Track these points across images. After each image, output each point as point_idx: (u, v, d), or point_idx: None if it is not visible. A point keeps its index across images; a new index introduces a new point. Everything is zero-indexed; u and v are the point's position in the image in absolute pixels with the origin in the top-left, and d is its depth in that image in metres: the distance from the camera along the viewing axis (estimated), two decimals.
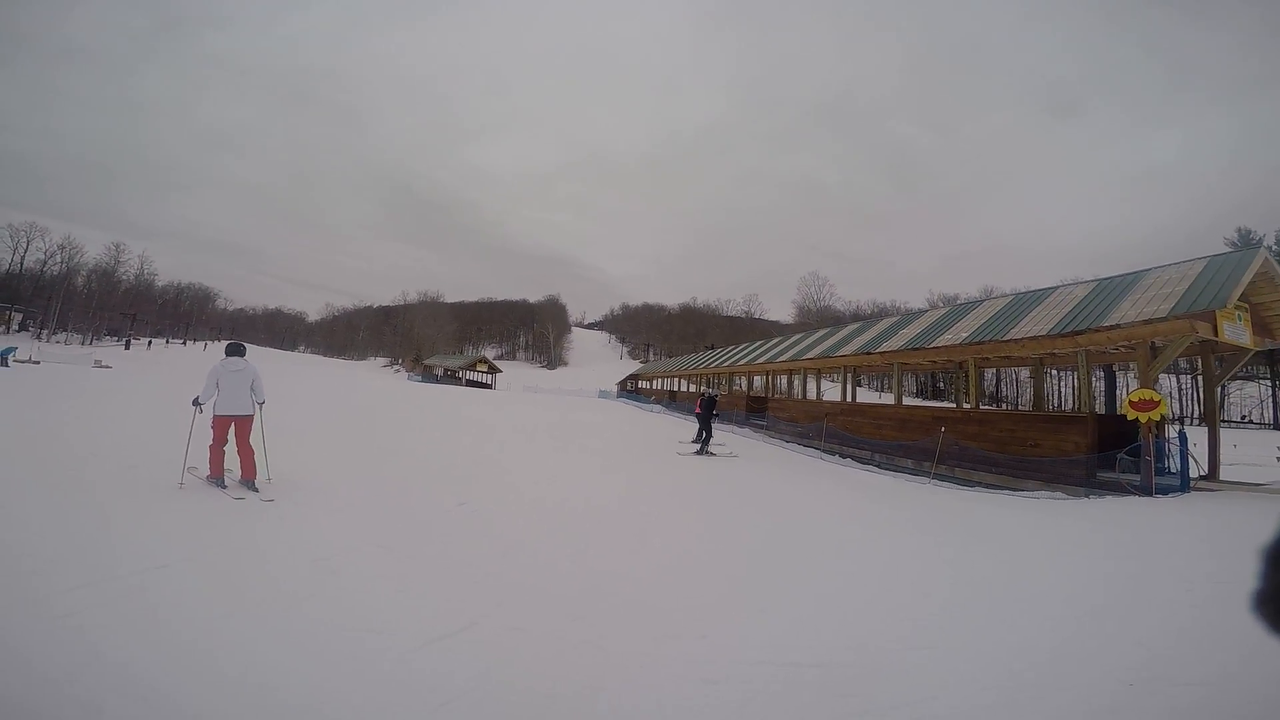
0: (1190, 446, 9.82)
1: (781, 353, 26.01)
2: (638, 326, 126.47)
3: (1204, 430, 11.74)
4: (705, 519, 7.14)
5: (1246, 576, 0.85)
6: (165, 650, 2.84)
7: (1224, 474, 11.38)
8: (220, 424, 6.34)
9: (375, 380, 59.97)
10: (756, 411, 25.92)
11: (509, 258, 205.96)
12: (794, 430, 20.56)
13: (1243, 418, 51.69)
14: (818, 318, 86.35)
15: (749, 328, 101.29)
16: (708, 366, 37.70)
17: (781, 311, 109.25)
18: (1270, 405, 52.81)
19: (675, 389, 46.54)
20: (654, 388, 54.76)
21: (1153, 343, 10.26)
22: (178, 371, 30.76)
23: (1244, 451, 18.81)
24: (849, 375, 19.90)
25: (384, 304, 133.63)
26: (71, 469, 6.42)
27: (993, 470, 12.02)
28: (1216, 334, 9.52)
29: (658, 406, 40.86)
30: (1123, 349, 12.18)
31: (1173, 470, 10.13)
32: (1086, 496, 9.61)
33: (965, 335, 13.88)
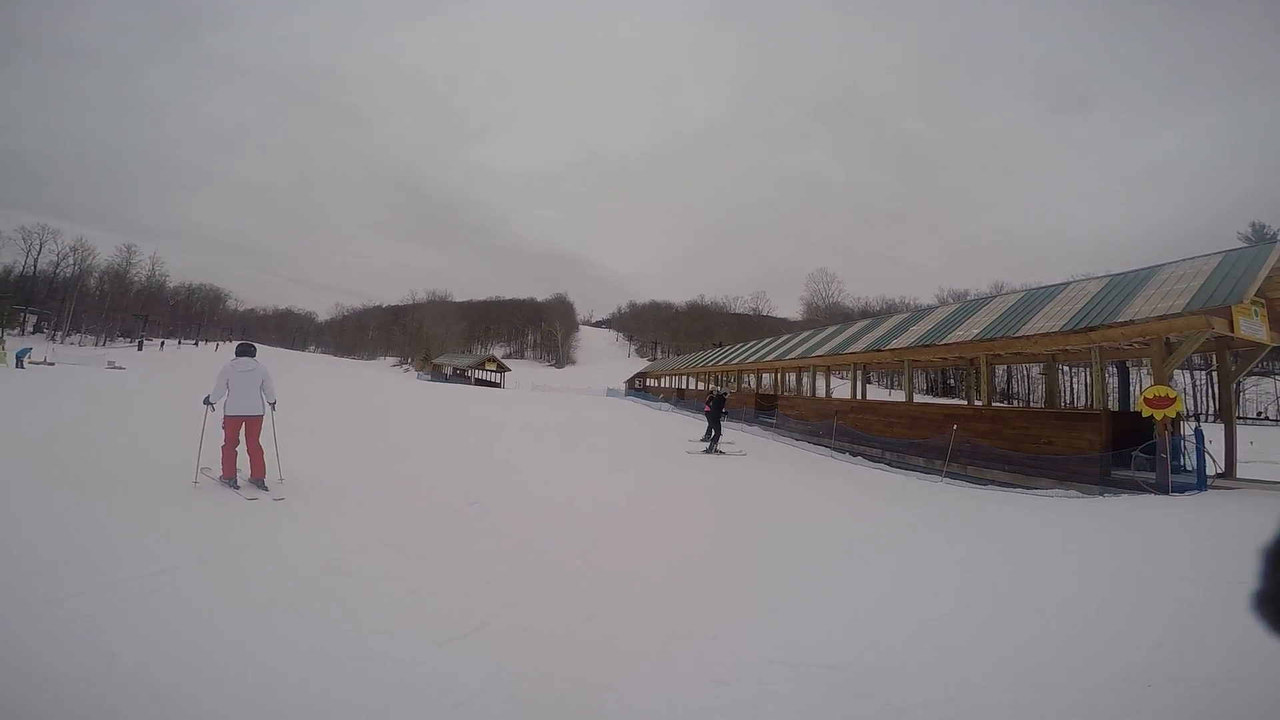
0: (1206, 444, 9.70)
1: (790, 350, 25.92)
2: (645, 324, 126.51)
3: (1220, 427, 11.59)
4: (715, 518, 7.12)
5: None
6: (177, 652, 2.85)
7: (1241, 472, 11.23)
8: (231, 424, 6.38)
9: (385, 380, 60.28)
10: (766, 409, 25.87)
11: (516, 257, 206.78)
12: (803, 428, 20.49)
13: (1259, 414, 51.09)
14: (826, 314, 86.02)
15: (757, 325, 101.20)
16: (716, 364, 37.64)
17: (790, 308, 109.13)
18: None
19: (683, 387, 46.52)
20: (662, 386, 54.75)
21: (1167, 339, 10.13)
22: (190, 372, 31.05)
23: (1261, 449, 18.55)
24: (859, 372, 19.80)
25: (393, 304, 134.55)
26: (86, 469, 6.49)
27: (1005, 468, 11.93)
28: (1232, 330, 9.38)
29: (666, 405, 40.84)
30: (1137, 345, 12.04)
31: (1189, 468, 10.01)
32: (1101, 495, 9.51)
33: (977, 332, 13.77)
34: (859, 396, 19.40)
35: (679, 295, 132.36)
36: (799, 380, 27.36)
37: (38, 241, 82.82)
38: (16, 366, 27.18)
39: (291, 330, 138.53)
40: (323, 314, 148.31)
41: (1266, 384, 53.41)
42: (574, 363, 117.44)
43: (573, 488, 8.12)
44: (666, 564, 4.97)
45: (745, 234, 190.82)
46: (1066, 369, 47.15)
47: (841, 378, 26.47)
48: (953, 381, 64.67)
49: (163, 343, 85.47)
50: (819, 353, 21.76)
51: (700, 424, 18.51)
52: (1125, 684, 2.96)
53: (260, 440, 6.50)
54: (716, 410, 14.64)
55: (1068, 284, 13.45)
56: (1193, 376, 53.99)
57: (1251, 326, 9.69)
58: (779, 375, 28.90)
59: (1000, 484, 11.43)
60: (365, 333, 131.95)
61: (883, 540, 6.32)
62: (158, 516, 5.02)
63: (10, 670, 2.55)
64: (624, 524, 6.33)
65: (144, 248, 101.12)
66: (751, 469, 11.72)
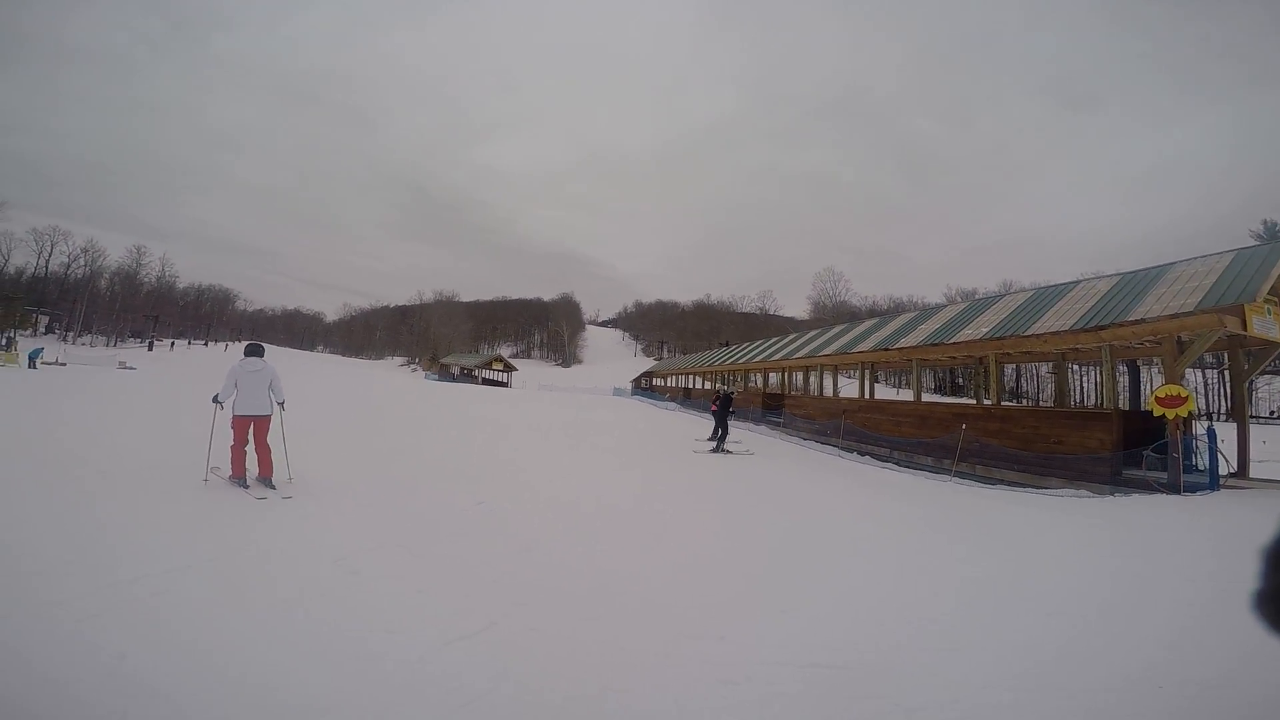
0: (1219, 443, 9.61)
1: (797, 349, 25.85)
2: (651, 324, 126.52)
3: (1233, 426, 11.48)
4: (722, 517, 7.11)
5: None
6: (185, 651, 2.87)
7: (1254, 471, 11.13)
8: (240, 424, 6.41)
9: (393, 379, 60.51)
10: (772, 409, 25.81)
11: (522, 256, 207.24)
12: (811, 427, 20.43)
13: (1272, 413, 50.53)
14: (833, 313, 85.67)
15: (764, 324, 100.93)
16: (722, 363, 37.59)
17: (796, 307, 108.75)
18: None
19: (690, 386, 46.48)
20: (668, 385, 54.73)
21: (1179, 337, 10.04)
22: (199, 372, 31.25)
23: (1274, 448, 18.32)
24: (866, 371, 19.71)
25: (400, 304, 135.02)
26: (97, 469, 6.54)
27: (1015, 468, 11.86)
28: (1245, 328, 9.28)
29: (672, 404, 40.81)
30: (1148, 344, 11.94)
31: (1201, 468, 9.92)
32: (1112, 495, 9.44)
33: (986, 330, 13.69)
34: (867, 396, 19.31)
35: (685, 295, 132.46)
36: (806, 379, 27.24)
37: (49, 243, 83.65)
38: (29, 367, 27.47)
39: (300, 330, 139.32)
40: (331, 314, 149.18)
41: None
42: (580, 362, 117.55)
43: (579, 487, 8.12)
44: (674, 564, 4.97)
45: (752, 233, 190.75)
46: (1076, 368, 46.84)
47: (849, 377, 26.37)
48: (961, 381, 64.34)
49: (173, 343, 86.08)
50: (826, 352, 21.69)
51: (707, 423, 18.49)
52: (1126, 685, 2.94)
53: (268, 440, 6.54)
54: (723, 410, 14.62)
55: (1078, 282, 13.35)
56: (1204, 375, 53.44)
57: (1265, 325, 9.58)
58: (786, 374, 28.82)
59: (1010, 484, 11.36)
60: (373, 333, 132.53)
61: (890, 540, 6.29)
62: (168, 516, 5.06)
63: (18, 670, 2.58)
64: (631, 524, 6.33)
65: (153, 249, 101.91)
66: (758, 468, 11.70)
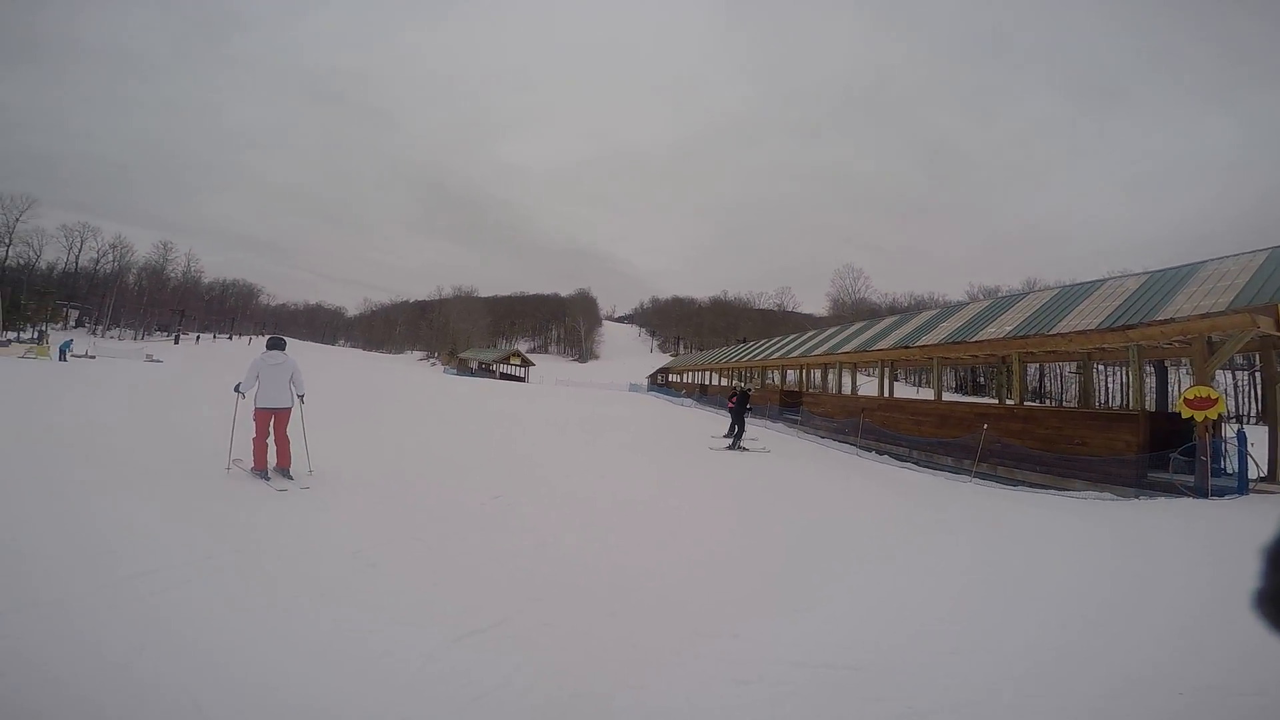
0: (1249, 446, 9.37)
1: (816, 346, 25.67)
2: (668, 320, 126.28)
3: (1264, 430, 11.18)
4: (738, 515, 7.08)
5: None
6: (204, 643, 2.93)
7: None
8: (261, 417, 6.53)
9: (412, 374, 61.15)
10: (790, 406, 25.67)
11: (540, 252, 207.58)
12: (829, 426, 20.28)
13: None
14: (853, 310, 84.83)
15: (782, 321, 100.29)
16: (740, 360, 37.45)
17: (815, 304, 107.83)
18: None
19: (706, 383, 46.38)
20: (685, 381, 54.67)
21: (1210, 337, 9.79)
22: (223, 365, 31.81)
23: None
24: (886, 370, 19.52)
25: (420, 299, 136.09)
26: (124, 460, 6.72)
27: (1037, 469, 11.67)
28: (1279, 328, 9.03)
29: (689, 400, 40.76)
30: (1177, 344, 11.66)
31: (1230, 471, 9.69)
32: (1137, 497, 9.26)
33: (1009, 329, 13.48)
34: (886, 394, 19.12)
35: (702, 291, 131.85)
36: (824, 377, 27.04)
37: (79, 239, 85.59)
38: (60, 359, 28.19)
39: (321, 325, 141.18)
40: (352, 309, 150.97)
41: None
42: (597, 358, 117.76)
43: (595, 483, 8.14)
44: (689, 561, 4.97)
45: (769, 229, 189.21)
46: (1102, 368, 45.93)
47: (868, 375, 26.15)
48: (983, 380, 63.45)
49: (198, 337, 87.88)
50: (845, 349, 21.51)
51: (723, 420, 18.44)
52: (1135, 689, 2.90)
53: (288, 431, 6.65)
54: (740, 407, 14.56)
55: (1104, 280, 13.09)
56: (1234, 377, 52.11)
57: None
58: (804, 372, 28.65)
59: (1031, 485, 11.19)
60: (393, 328, 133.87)
61: (908, 541, 6.22)
62: (191, 508, 5.17)
63: (38, 664, 2.64)
64: (646, 520, 6.33)
65: (178, 245, 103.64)
66: (775, 466, 11.64)
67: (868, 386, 23.52)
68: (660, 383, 64.92)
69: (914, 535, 6.53)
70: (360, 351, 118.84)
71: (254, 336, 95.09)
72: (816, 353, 24.44)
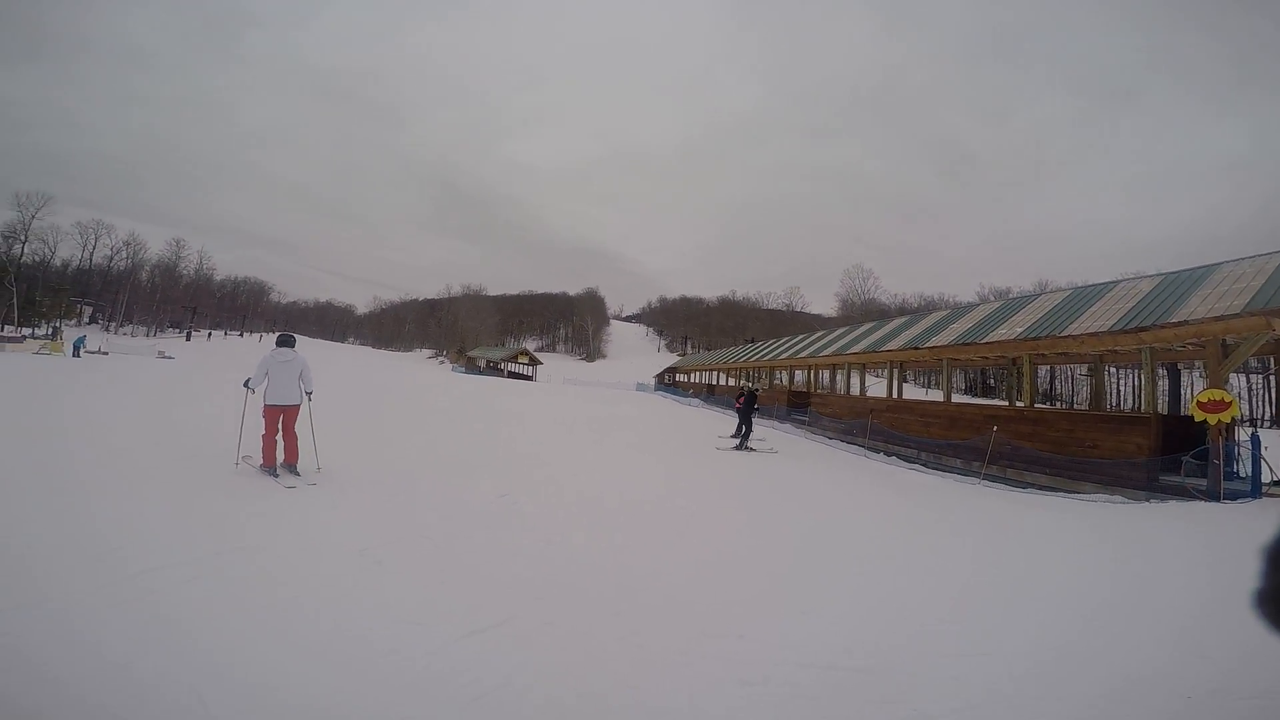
0: (1263, 450, 9.26)
1: (824, 347, 25.57)
2: (675, 319, 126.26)
3: (1278, 433, 11.04)
4: (745, 515, 7.07)
5: None
6: (212, 639, 2.95)
7: None
8: (271, 414, 6.58)
9: (420, 372, 61.38)
10: (798, 407, 25.58)
11: (548, 251, 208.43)
12: (837, 426, 20.20)
13: None
14: (862, 311, 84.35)
15: (790, 321, 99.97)
16: (748, 360, 37.36)
17: (824, 305, 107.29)
18: None
19: (714, 383, 46.31)
20: (692, 381, 54.60)
21: (1224, 340, 9.69)
22: (235, 362, 32.05)
23: None
24: (895, 371, 19.43)
25: (429, 297, 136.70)
26: (134, 456, 6.79)
27: (1047, 471, 11.58)
28: None
29: (696, 400, 40.71)
30: (1191, 347, 11.56)
31: (1243, 475, 9.59)
32: (1148, 501, 9.17)
33: (1020, 330, 13.38)
34: (895, 395, 19.03)
35: (710, 290, 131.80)
36: (833, 378, 26.94)
37: (93, 236, 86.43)
38: (73, 355, 28.50)
39: (331, 322, 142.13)
40: (361, 307, 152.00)
41: None
42: (604, 357, 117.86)
43: (602, 482, 8.15)
44: (695, 560, 4.96)
45: (778, 229, 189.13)
46: (1114, 370, 45.53)
47: (877, 376, 26.02)
48: (993, 382, 63.01)
49: (210, 334, 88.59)
50: (854, 350, 21.41)
51: (730, 420, 18.41)
52: (1138, 692, 2.88)
53: (295, 428, 6.70)
54: (748, 407, 14.55)
55: (1117, 282, 12.97)
56: (1249, 380, 51.50)
57: None
58: (812, 372, 28.55)
59: (1041, 487, 11.10)
60: (402, 325, 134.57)
61: (915, 543, 6.19)
62: (200, 504, 5.22)
63: (39, 663, 2.67)
64: (653, 519, 6.33)
65: (191, 242, 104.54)
66: (783, 467, 11.61)
67: (876, 387, 23.42)
68: (668, 382, 64.87)
69: (920, 537, 6.50)
70: (370, 349, 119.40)
71: (265, 334, 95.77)
72: (825, 353, 24.35)
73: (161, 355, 37.65)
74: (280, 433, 6.61)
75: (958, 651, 3.37)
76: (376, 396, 19.37)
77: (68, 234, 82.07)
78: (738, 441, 14.07)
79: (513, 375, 70.33)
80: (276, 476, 6.36)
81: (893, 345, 18.60)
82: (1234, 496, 8.74)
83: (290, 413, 6.69)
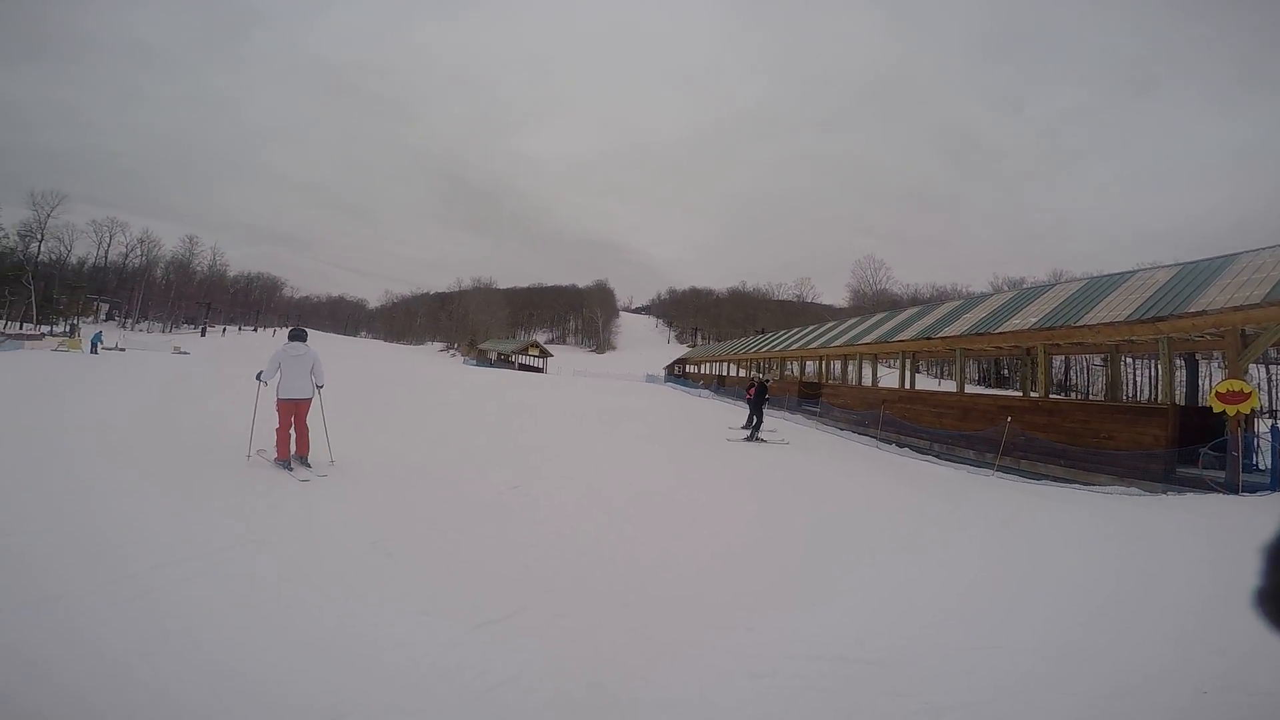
0: None
1: (836, 337, 25.44)
2: (685, 311, 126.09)
3: None
4: (755, 507, 7.05)
5: None
6: (224, 629, 2.99)
7: None
8: (284, 408, 6.64)
9: (432, 364, 61.73)
10: (809, 398, 25.47)
11: (558, 244, 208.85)
12: (848, 417, 20.11)
13: None
14: (873, 301, 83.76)
15: (801, 312, 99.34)
16: (758, 351, 37.25)
17: (835, 295, 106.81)
18: None
19: (724, 374, 46.22)
20: (702, 372, 54.54)
21: (1243, 330, 9.53)
22: (249, 356, 32.38)
23: None
24: (907, 361, 19.29)
25: (440, 290, 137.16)
26: (153, 450, 6.88)
27: (1062, 463, 11.47)
28: None
29: (706, 391, 40.67)
30: (1209, 337, 11.38)
31: (1262, 467, 9.46)
32: (1164, 493, 9.07)
33: (1035, 320, 13.23)
34: (907, 386, 18.90)
35: (720, 282, 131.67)
36: (844, 368, 26.80)
37: (108, 234, 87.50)
38: (91, 352, 28.88)
39: (344, 316, 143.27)
40: (373, 301, 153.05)
41: None
42: (614, 348, 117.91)
43: (612, 474, 8.16)
44: (706, 552, 4.96)
45: (789, 220, 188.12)
46: (1130, 361, 44.92)
47: (889, 366, 25.86)
48: (1007, 372, 62.42)
49: (224, 329, 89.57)
50: (866, 340, 21.28)
51: (740, 411, 18.37)
52: (1140, 682, 2.86)
53: (307, 421, 6.77)
54: (759, 398, 14.49)
55: (1134, 272, 12.78)
56: (1269, 371, 50.63)
57: None
58: (824, 363, 28.42)
59: (1056, 479, 11.01)
60: (414, 319, 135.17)
61: (927, 535, 6.16)
62: (213, 497, 5.28)
63: (69, 651, 2.71)
64: (663, 511, 6.33)
65: (204, 239, 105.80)
66: (793, 458, 11.58)
67: (888, 378, 23.27)
68: (677, 374, 64.84)
69: (932, 529, 6.46)
70: (381, 343, 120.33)
71: (278, 329, 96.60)
72: (836, 344, 24.22)
73: (177, 351, 38.05)
74: (293, 426, 6.67)
75: (969, 644, 3.35)
76: (388, 390, 19.49)
77: (83, 232, 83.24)
78: (748, 433, 14.04)
79: (523, 367, 70.56)
80: (290, 470, 6.43)
81: (905, 335, 18.46)
82: (1253, 489, 8.62)
83: (302, 406, 6.75)
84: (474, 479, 7.07)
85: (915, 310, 21.63)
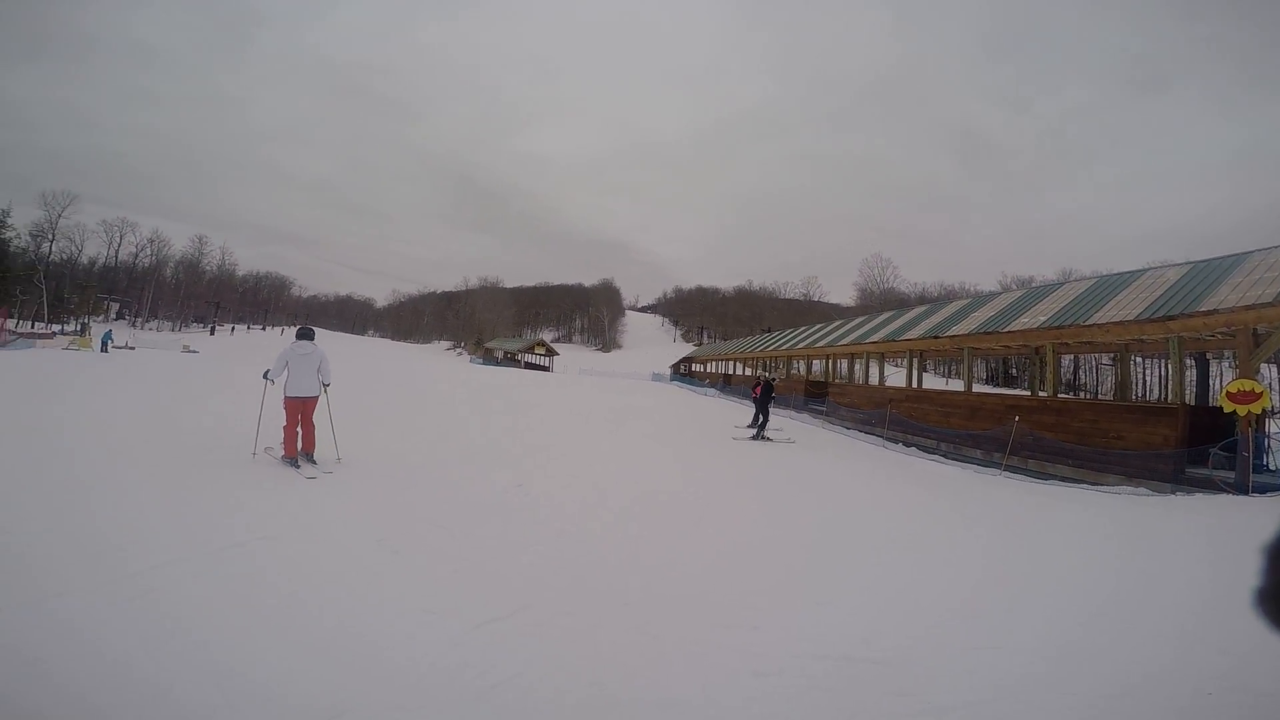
0: None
1: (842, 336, 25.35)
2: (691, 309, 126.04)
3: None
4: (761, 506, 7.05)
5: None
6: (229, 633, 3.00)
7: None
8: (291, 406, 6.70)
9: (439, 363, 61.94)
10: (815, 397, 25.39)
11: (564, 243, 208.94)
12: (855, 417, 20.03)
13: None
14: (880, 300, 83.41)
15: (808, 311, 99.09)
16: (764, 350, 37.17)
17: (842, 294, 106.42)
18: None
19: (730, 373, 46.15)
20: (708, 371, 54.46)
21: (1255, 329, 9.44)
22: (257, 355, 32.60)
23: None
24: (915, 360, 19.19)
25: (447, 289, 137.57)
26: (161, 448, 6.94)
27: (1070, 463, 11.40)
28: None
29: (712, 390, 40.62)
30: (1220, 336, 11.27)
31: (1273, 468, 9.37)
32: (1173, 494, 8.99)
33: (1043, 319, 13.15)
34: (914, 385, 18.81)
35: (726, 281, 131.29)
36: (851, 367, 26.70)
37: (118, 234, 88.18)
38: (101, 350, 29.15)
39: (351, 315, 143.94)
40: (380, 300, 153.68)
41: None
42: (620, 347, 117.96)
43: (618, 472, 8.18)
44: (711, 551, 4.96)
45: (795, 218, 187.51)
46: (1140, 360, 44.58)
47: (896, 365, 25.75)
48: (1015, 371, 62.05)
49: (233, 328, 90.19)
50: (873, 339, 21.20)
51: (746, 410, 18.35)
52: (1141, 683, 2.85)
53: (313, 418, 6.82)
54: (765, 396, 14.47)
55: (1144, 271, 12.68)
56: None
57: None
58: (830, 362, 28.33)
59: (1064, 479, 10.93)
60: (421, 318, 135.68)
61: (933, 535, 6.14)
62: (221, 494, 5.32)
63: (78, 646, 2.74)
64: (668, 510, 6.34)
65: (213, 239, 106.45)
66: (799, 457, 11.56)
67: (895, 377, 23.17)
68: (683, 372, 64.77)
69: (938, 529, 6.44)
70: (389, 341, 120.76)
71: (286, 327, 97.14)
72: (843, 343, 24.13)
73: (186, 349, 38.35)
74: (300, 423, 6.72)
75: (972, 644, 3.34)
76: (395, 388, 19.57)
77: (94, 232, 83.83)
78: (754, 431, 14.02)
79: (530, 366, 70.70)
80: (298, 467, 6.47)
81: (912, 334, 18.38)
82: (1263, 490, 8.54)
83: (309, 404, 6.80)
84: (479, 477, 7.10)
85: (923, 309, 21.53)
